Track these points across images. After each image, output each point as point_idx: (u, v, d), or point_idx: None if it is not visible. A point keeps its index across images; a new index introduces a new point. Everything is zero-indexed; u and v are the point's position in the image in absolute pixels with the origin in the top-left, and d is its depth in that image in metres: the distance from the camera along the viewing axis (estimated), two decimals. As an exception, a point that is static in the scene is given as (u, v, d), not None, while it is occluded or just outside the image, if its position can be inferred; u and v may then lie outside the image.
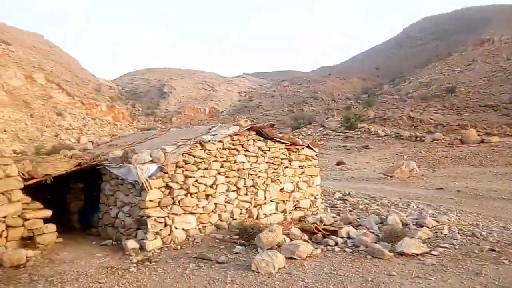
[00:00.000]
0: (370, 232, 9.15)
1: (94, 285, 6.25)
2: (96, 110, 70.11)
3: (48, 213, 8.73)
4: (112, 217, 9.25)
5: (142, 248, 8.21)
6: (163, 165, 8.50)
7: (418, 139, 36.09)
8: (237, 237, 8.88)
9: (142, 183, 8.24)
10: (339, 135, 42.85)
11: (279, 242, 8.16)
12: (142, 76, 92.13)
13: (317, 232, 8.81)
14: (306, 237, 8.66)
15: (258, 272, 6.79)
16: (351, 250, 8.00)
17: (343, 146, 37.71)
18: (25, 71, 69.72)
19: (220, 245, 8.48)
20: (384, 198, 14.84)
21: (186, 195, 8.86)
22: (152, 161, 8.56)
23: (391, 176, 21.11)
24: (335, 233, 8.90)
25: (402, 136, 37.98)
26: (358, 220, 10.66)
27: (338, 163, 28.97)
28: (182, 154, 8.81)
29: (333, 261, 7.42)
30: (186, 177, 8.85)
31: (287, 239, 8.40)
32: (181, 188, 8.77)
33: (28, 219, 8.40)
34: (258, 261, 6.88)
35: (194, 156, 9.01)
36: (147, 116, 72.60)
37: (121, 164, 8.77)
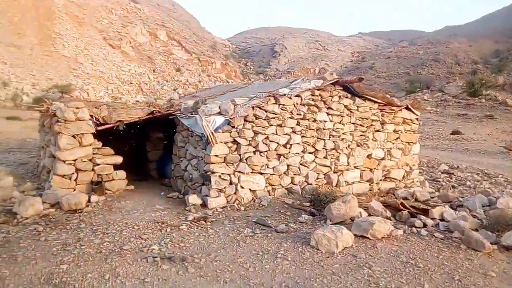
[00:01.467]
0: (472, 215, 7.39)
1: (135, 240, 5.68)
2: (211, 67, 72.09)
3: (118, 159, 8.44)
4: (182, 170, 8.71)
5: (204, 205, 7.55)
6: (230, 118, 7.61)
7: (554, 111, 30.68)
8: (308, 204, 7.78)
9: (207, 136, 7.47)
10: (459, 102, 38.37)
11: (353, 216, 6.89)
12: (255, 35, 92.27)
13: (403, 208, 7.32)
14: (388, 213, 7.23)
15: (318, 249, 5.67)
16: (441, 236, 6.43)
17: (463, 115, 33.63)
18: (149, 28, 73.76)
19: (287, 211, 7.46)
20: (501, 176, 12.45)
21: (254, 152, 7.92)
22: (220, 113, 7.72)
23: (514, 151, 17.99)
24: (426, 212, 7.32)
25: (535, 106, 32.66)
26: (461, 199, 8.82)
27: (454, 133, 25.78)
28: (253, 107, 7.81)
29: (415, 247, 5.97)
30: (256, 133, 7.88)
31: (364, 214, 7.08)
32: (249, 144, 7.84)
33: (98, 164, 8.17)
34: (319, 236, 5.73)
35: (266, 111, 7.96)
36: (257, 75, 72.89)
37: (189, 115, 8.07)
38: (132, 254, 5.20)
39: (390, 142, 9.62)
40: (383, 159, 9.56)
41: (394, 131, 9.68)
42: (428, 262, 5.42)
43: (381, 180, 9.60)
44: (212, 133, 7.47)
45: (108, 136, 8.98)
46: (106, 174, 8.28)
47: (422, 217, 7.06)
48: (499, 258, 5.67)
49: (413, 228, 6.73)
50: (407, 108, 9.78)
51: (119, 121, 8.47)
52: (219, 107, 7.76)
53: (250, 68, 76.90)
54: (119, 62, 63.66)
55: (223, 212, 7.39)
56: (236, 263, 5.14)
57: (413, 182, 10.04)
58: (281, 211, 7.50)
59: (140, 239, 5.74)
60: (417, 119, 10.04)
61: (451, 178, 11.66)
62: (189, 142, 8.47)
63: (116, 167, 8.52)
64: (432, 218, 7.08)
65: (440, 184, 10.99)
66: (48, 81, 51.96)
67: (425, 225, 6.85)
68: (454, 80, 50.59)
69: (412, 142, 9.99)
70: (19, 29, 58.41)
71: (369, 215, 7.17)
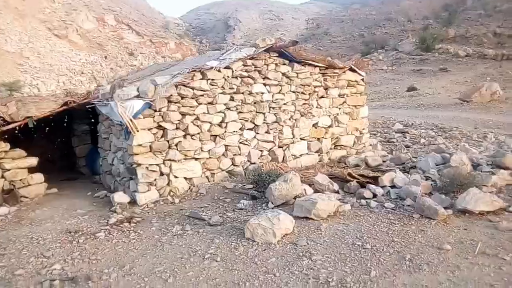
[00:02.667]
0: (426, 177, 6.79)
1: (35, 260, 4.73)
2: (165, 48, 69.65)
3: (33, 161, 7.38)
4: (110, 164, 7.73)
5: (134, 202, 6.63)
6: (151, 101, 6.63)
7: (505, 58, 30.93)
8: (251, 186, 6.99)
9: (126, 124, 6.49)
10: (413, 59, 38.29)
11: (297, 194, 6.14)
12: (208, 11, 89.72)
13: (350, 179, 6.62)
14: (336, 186, 6.53)
15: (254, 241, 4.89)
16: (392, 206, 5.76)
17: (418, 70, 33.52)
18: (96, 14, 70.29)
19: (227, 198, 6.66)
20: (455, 129, 12.04)
21: (185, 136, 7.02)
22: (138, 97, 6.72)
23: (468, 102, 17.76)
24: (376, 180, 6.65)
25: (486, 55, 32.83)
26: (414, 160, 8.23)
27: (409, 89, 25.52)
28: (176, 86, 6.84)
29: (363, 223, 5.27)
30: (183, 114, 6.95)
31: (309, 190, 6.34)
32: (177, 128, 6.91)
33: (8, 170, 7.08)
34: (254, 226, 4.94)
35: (193, 88, 7.01)
36: (214, 52, 71.06)
37: (105, 102, 7.04)
38: (25, 280, 4.26)
39: (336, 107, 8.89)
40: (330, 126, 8.83)
41: (340, 95, 8.93)
42: (376, 241, 4.72)
43: (330, 149, 8.89)
44: (131, 120, 6.49)
45: (30, 135, 7.89)
46: (20, 180, 7.22)
47: (372, 186, 6.38)
48: (454, 224, 5.04)
49: (362, 200, 6.05)
50: (351, 70, 9.03)
51: (28, 117, 7.34)
52: (138, 90, 6.76)
53: (206, 46, 74.80)
54: (67, 52, 60.49)
55: (155, 208, 6.52)
56: (153, 274, 4.29)
57: (364, 146, 9.40)
58: (220, 198, 6.68)
59: (42, 257, 4.79)
60: (362, 79, 9.32)
61: (405, 137, 11.13)
62: (112, 133, 7.48)
63: (35, 169, 7.47)
64: (382, 186, 6.42)
65: (394, 145, 10.42)
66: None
67: (375, 195, 6.18)
68: (407, 37, 50.68)
69: (359, 105, 9.29)
70: (-45, 27, 54.50)
71: (316, 191, 6.45)
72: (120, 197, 6.67)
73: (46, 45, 60.26)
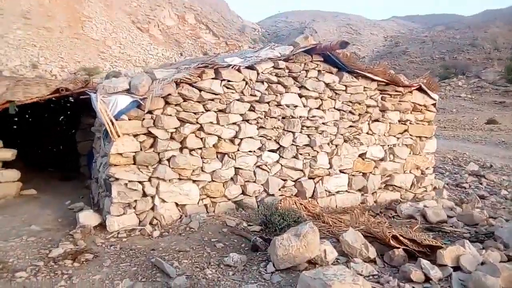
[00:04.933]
0: (509, 258, 4.52)
1: None
2: (239, 50, 69.46)
3: (5, 155, 5.98)
4: (98, 169, 6.16)
5: (104, 227, 4.99)
6: (140, 99, 4.94)
7: None
8: (259, 228, 5.08)
9: (106, 126, 4.86)
10: (496, 89, 34.36)
11: (312, 258, 4.15)
12: (285, 19, 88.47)
13: (395, 245, 4.49)
14: (371, 253, 4.44)
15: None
16: (453, 305, 3.60)
17: (500, 102, 29.74)
18: (178, 12, 71.56)
19: (221, 241, 4.81)
20: (549, 180, 9.26)
21: (181, 150, 5.26)
22: (128, 92, 5.06)
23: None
24: (433, 250, 4.47)
25: None
26: (492, 222, 5.91)
27: (489, 122, 22.24)
28: (178, 83, 5.10)
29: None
30: (183, 121, 5.19)
31: (332, 253, 4.30)
32: (172, 138, 5.17)
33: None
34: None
35: (200, 90, 5.24)
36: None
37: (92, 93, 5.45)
38: None
39: (394, 136, 6.72)
40: (382, 159, 6.68)
41: (400, 121, 6.75)
42: None
43: (379, 189, 6.73)
44: (111, 120, 4.84)
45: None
46: (-11, 175, 5.84)
47: (425, 262, 4.19)
48: None
49: (407, 285, 3.91)
50: (420, 90, 6.82)
51: (10, 101, 5.96)
52: (129, 83, 5.10)
53: (278, 52, 73.61)
54: (146, 46, 61.93)
55: (126, 240, 4.82)
56: None
57: (425, 191, 7.11)
58: (212, 240, 4.83)
59: None
60: (434, 104, 7.06)
61: (481, 183, 8.61)
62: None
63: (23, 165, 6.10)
64: (441, 265, 4.22)
65: (465, 192, 7.99)
66: (76, 63, 50.72)
67: (427, 279, 4.01)
68: (492, 65, 46.21)
69: (425, 137, 7.03)
70: (49, 11, 57.32)
71: (342, 253, 4.42)
72: (86, 217, 5.05)
73: (128, 36, 61.95)
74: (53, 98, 6.51)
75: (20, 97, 6.06)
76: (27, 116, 8.45)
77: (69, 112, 8.61)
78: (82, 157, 7.87)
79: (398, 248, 4.47)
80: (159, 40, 65.30)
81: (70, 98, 7.65)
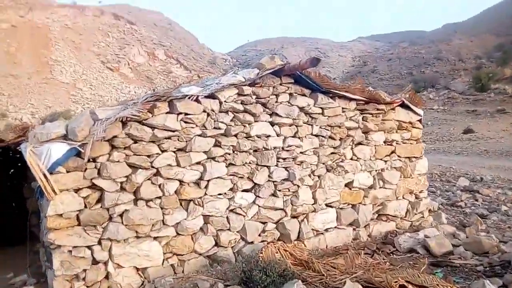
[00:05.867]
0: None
1: None
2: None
3: None
4: (42, 232, 5.13)
5: (46, 306, 3.96)
6: (80, 145, 4.01)
7: None
8: (238, 288, 4.14)
9: (38, 181, 3.90)
10: (467, 99, 34.67)
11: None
12: (254, 47, 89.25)
13: (405, 296, 3.61)
14: (377, 307, 3.55)
15: None
16: None
17: (472, 111, 29.81)
18: (147, 48, 71.26)
19: (192, 311, 3.83)
20: (544, 189, 8.63)
21: (136, 202, 4.32)
22: (65, 138, 4.13)
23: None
24: (450, 297, 3.62)
25: (549, 96, 28.67)
26: (503, 244, 5.14)
27: (466, 131, 22.03)
28: (124, 122, 4.21)
29: None
30: (134, 167, 4.27)
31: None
32: (123, 189, 4.24)
33: None
34: None
35: (153, 128, 4.35)
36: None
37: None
38: None
39: (381, 159, 5.94)
40: (371, 187, 5.87)
41: (386, 142, 5.99)
42: None
43: (372, 220, 5.89)
44: (44, 175, 3.89)
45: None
46: None
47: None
48: None
49: None
50: (402, 106, 6.11)
51: None
52: (66, 127, 4.18)
53: (250, 81, 73.80)
54: (118, 85, 61.08)
55: (72, 321, 3.78)
56: None
57: (423, 217, 6.32)
58: (181, 310, 3.86)
59: None
60: (419, 121, 6.35)
61: (477, 200, 7.89)
62: (44, 188, 4.89)
63: None
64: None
65: (462, 211, 7.24)
66: (47, 109, 49.32)
67: None
68: (460, 76, 47.14)
69: (415, 157, 6.28)
70: (16, 58, 56.02)
71: (342, 314, 3.51)
72: (22, 298, 4.01)
73: (99, 77, 60.98)
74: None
75: None
76: None
77: (19, 164, 7.54)
78: (32, 216, 6.79)
79: (408, 300, 3.60)
80: (130, 78, 64.55)
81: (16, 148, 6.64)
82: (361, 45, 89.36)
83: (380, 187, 5.91)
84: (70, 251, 4.06)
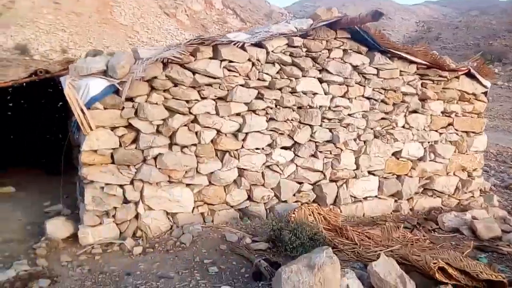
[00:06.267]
0: None
1: None
2: (265, 35, 68.08)
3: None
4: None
5: (76, 237, 4.03)
6: (118, 83, 3.89)
7: None
8: (265, 246, 4.02)
9: (76, 116, 3.85)
10: (536, 77, 31.98)
11: (330, 297, 3.04)
12: (313, 3, 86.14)
13: (445, 281, 3.31)
14: (411, 286, 3.29)
15: None
16: None
17: (539, 90, 27.52)
18: (205, -4, 70.62)
19: (216, 264, 3.77)
20: None
21: (170, 147, 4.20)
22: (105, 74, 4.01)
23: None
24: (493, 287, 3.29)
25: None
26: (561, 238, 4.65)
27: (532, 111, 20.36)
28: (165, 63, 4.02)
29: None
30: (172, 111, 4.12)
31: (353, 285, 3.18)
32: (158, 132, 4.12)
33: None
34: None
35: (194, 72, 4.14)
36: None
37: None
38: None
39: (436, 131, 5.47)
40: (421, 159, 5.46)
41: (444, 113, 5.49)
42: None
43: (416, 193, 5.52)
44: (81, 110, 3.82)
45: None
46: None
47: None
48: None
49: None
50: (468, 75, 5.52)
51: (-22, 85, 5.03)
52: (107, 63, 4.05)
53: (306, 38, 71.86)
54: (173, 31, 61.22)
55: (99, 257, 3.85)
56: None
57: (472, 197, 5.86)
58: (205, 261, 3.80)
59: None
60: (485, 93, 5.75)
61: (536, 185, 7.24)
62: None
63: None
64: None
65: (519, 196, 6.68)
66: (104, 48, 50.46)
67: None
68: (531, 52, 43.39)
69: (473, 132, 5.75)
70: (79, -4, 57.39)
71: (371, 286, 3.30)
72: (54, 227, 4.10)
73: (155, 21, 61.36)
74: (36, 81, 5.53)
75: (-7, 80, 5.11)
76: (9, 102, 7.58)
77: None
78: (75, 149, 6.93)
79: (446, 284, 3.30)
80: (186, 25, 64.47)
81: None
82: (427, 10, 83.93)
83: (431, 160, 5.48)
84: (102, 188, 4.04)
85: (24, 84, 5.77)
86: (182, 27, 64.56)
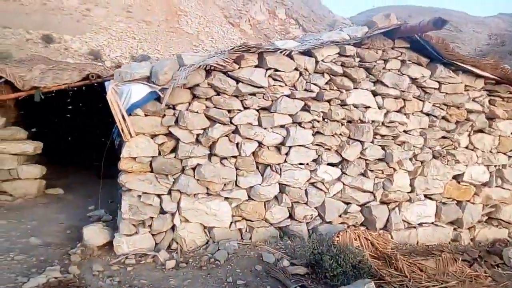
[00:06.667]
0: None
1: None
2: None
3: (26, 148, 5.21)
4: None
5: (111, 245, 3.95)
6: (160, 89, 3.78)
7: None
8: (303, 271, 3.70)
9: (117, 121, 3.79)
10: None
11: None
12: (378, 14, 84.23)
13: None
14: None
15: None
16: None
17: None
18: (269, 6, 71.16)
19: (250, 285, 3.53)
20: None
21: (210, 158, 4.02)
22: (148, 80, 3.93)
23: None
24: None
25: None
26: None
27: None
28: (208, 70, 3.86)
29: None
30: (213, 120, 3.94)
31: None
32: (198, 142, 3.95)
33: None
34: None
35: (237, 80, 3.94)
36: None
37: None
38: None
39: (504, 154, 4.87)
40: (486, 184, 4.88)
41: (515, 133, 4.88)
42: None
43: (479, 222, 4.94)
44: (123, 116, 3.75)
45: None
46: (9, 170, 5.10)
47: None
48: None
49: None
50: (546, 92, 4.87)
51: (35, 87, 5.17)
52: (151, 70, 3.96)
53: (368, 49, 70.22)
54: (237, 40, 62.23)
55: (131, 269, 3.73)
56: None
57: (546, 230, 5.15)
58: (238, 283, 3.56)
59: None
60: None
61: None
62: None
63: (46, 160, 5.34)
64: None
65: None
66: (171, 56, 52.35)
67: None
68: None
69: (550, 157, 5.06)
70: (149, 5, 59.96)
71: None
72: (91, 234, 4.04)
73: (220, 31, 62.76)
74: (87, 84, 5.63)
75: (49, 82, 5.25)
76: (63, 104, 7.83)
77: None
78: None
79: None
80: (249, 34, 65.26)
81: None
82: (501, 22, 79.06)
83: (497, 186, 4.89)
84: (139, 196, 3.94)
85: (84, 88, 5.89)
86: (246, 37, 65.46)
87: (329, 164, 4.36)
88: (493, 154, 4.81)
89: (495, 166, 4.85)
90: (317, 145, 4.26)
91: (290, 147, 4.17)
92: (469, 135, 4.74)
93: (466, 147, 4.74)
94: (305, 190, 4.33)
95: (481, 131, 4.76)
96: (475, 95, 4.65)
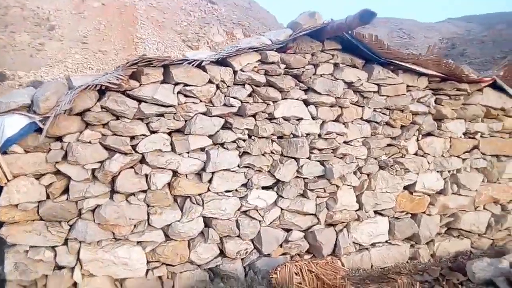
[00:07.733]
0: None
1: None
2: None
3: None
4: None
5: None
6: (40, 120, 2.98)
7: None
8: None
9: (-9, 163, 2.95)
10: None
11: None
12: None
13: None
14: None
15: None
16: None
17: None
18: (226, 28, 71.13)
19: None
20: None
21: (111, 196, 3.23)
22: (29, 109, 3.13)
23: None
24: None
25: None
26: None
27: None
28: (101, 91, 3.10)
29: None
30: (111, 150, 3.17)
31: None
32: (95, 178, 3.16)
33: None
34: None
35: (139, 101, 3.20)
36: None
37: None
38: None
39: (457, 157, 4.32)
40: (441, 192, 4.30)
41: (467, 134, 4.35)
42: None
43: (438, 235, 4.35)
44: (-5, 155, 2.93)
45: None
46: None
47: None
48: None
49: None
50: (494, 86, 4.39)
51: None
52: (33, 96, 3.17)
53: (325, 61, 71.39)
54: (196, 63, 62.07)
55: None
56: None
57: (509, 235, 4.63)
58: None
59: None
60: (517, 107, 4.58)
61: None
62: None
63: None
64: None
65: None
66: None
67: None
68: None
69: (506, 155, 4.55)
70: (105, 35, 58.72)
71: None
72: (-31, 304, 3.14)
73: (179, 55, 62.05)
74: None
75: None
76: None
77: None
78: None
79: None
80: (208, 56, 65.23)
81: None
82: (451, 26, 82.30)
83: (453, 193, 4.33)
84: (26, 252, 3.10)
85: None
86: (204, 59, 65.47)
87: (262, 187, 3.66)
88: (445, 158, 4.25)
89: (448, 171, 4.29)
90: (245, 167, 3.56)
91: (212, 173, 3.45)
92: (417, 140, 4.16)
93: (415, 154, 4.16)
94: (236, 221, 3.61)
95: (430, 134, 4.20)
96: (419, 96, 4.09)
